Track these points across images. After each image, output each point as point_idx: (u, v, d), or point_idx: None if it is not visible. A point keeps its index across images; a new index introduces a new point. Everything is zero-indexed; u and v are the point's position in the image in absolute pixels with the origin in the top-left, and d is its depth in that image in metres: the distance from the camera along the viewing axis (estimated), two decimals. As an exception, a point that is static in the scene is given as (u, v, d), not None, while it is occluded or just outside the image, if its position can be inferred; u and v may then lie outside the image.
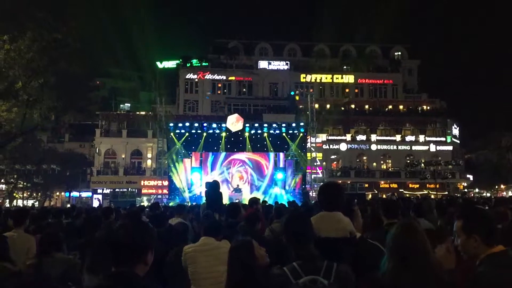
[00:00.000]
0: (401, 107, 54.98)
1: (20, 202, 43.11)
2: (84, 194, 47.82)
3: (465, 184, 53.55)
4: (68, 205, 40.09)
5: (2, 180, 42.04)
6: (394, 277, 2.65)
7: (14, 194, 43.06)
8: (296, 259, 2.83)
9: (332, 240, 3.12)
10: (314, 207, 11.02)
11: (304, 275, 2.67)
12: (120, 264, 2.20)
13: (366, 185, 47.75)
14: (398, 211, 5.02)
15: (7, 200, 41.95)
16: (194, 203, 18.64)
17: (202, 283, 4.47)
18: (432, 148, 51.55)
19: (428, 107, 55.23)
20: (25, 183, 42.75)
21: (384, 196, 41.53)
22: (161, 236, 5.70)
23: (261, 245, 3.45)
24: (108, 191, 43.75)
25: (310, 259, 2.80)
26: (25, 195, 44.18)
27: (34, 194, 45.10)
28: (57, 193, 50.12)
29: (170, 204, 20.11)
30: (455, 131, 55.09)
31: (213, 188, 10.42)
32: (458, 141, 55.44)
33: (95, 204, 34.90)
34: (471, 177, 53.72)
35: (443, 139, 52.49)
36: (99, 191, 44.28)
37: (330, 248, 2.98)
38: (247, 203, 18.21)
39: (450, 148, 52.41)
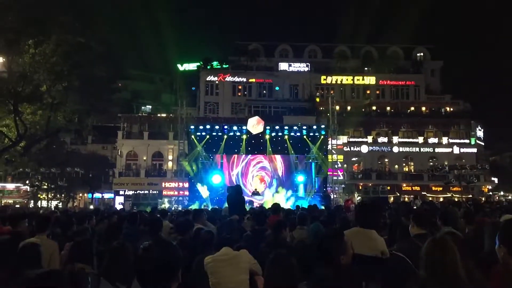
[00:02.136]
0: (423, 108, 54.23)
1: (44, 203, 43.86)
2: (107, 196, 48.43)
3: (490, 187, 52.45)
4: (91, 207, 40.73)
5: (27, 182, 42.83)
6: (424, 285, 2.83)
7: (39, 195, 43.83)
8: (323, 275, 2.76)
9: (364, 257, 3.06)
10: (335, 212, 10.90)
11: None
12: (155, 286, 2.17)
13: (388, 188, 47.23)
14: (427, 222, 4.99)
15: (32, 201, 42.75)
16: (215, 206, 18.64)
17: None
18: (456, 150, 50.69)
19: (452, 109, 54.37)
20: (49, 185, 43.50)
21: (406, 199, 40.99)
22: (185, 244, 5.68)
23: (288, 254, 3.39)
24: (130, 192, 44.18)
25: (338, 278, 2.73)
26: (49, 196, 44.94)
27: (58, 195, 45.82)
28: (80, 194, 50.86)
29: (191, 207, 20.15)
30: (479, 133, 54.04)
31: (235, 193, 10.36)
32: (483, 143, 54.36)
33: (118, 207, 35.23)
34: (496, 179, 52.61)
35: (467, 141, 51.58)
36: (121, 192, 44.75)
37: (361, 265, 2.92)
38: (267, 206, 18.17)
39: (474, 150, 51.45)
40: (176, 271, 2.24)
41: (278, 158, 29.57)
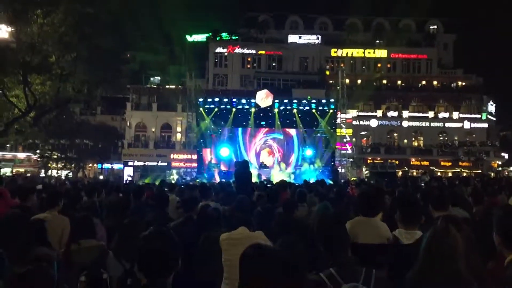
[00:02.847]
0: (435, 83, 53.45)
1: (54, 172, 44.44)
2: (116, 166, 48.92)
3: (500, 163, 52.08)
4: (101, 177, 41.20)
5: (38, 151, 43.30)
6: (420, 278, 2.73)
7: (49, 165, 44.36)
8: (332, 264, 2.73)
9: (370, 247, 3.04)
10: (343, 188, 10.91)
11: (343, 281, 2.58)
12: (155, 276, 2.18)
13: (397, 162, 46.93)
14: (447, 203, 4.92)
15: (43, 170, 43.34)
16: (223, 180, 18.74)
17: (233, 271, 4.50)
18: (466, 125, 50.16)
19: (464, 83, 53.50)
20: (59, 155, 43.94)
21: (415, 173, 40.93)
22: (192, 220, 5.72)
23: (303, 235, 3.38)
24: (139, 163, 44.52)
25: (347, 265, 2.70)
26: (59, 165, 45.48)
27: (68, 165, 46.36)
28: (90, 165, 51.39)
29: (197, 181, 20.25)
30: (491, 108, 53.31)
31: (242, 168, 10.34)
32: (494, 118, 53.68)
33: (128, 178, 35.61)
34: (506, 155, 52.16)
35: (478, 116, 50.94)
36: (130, 163, 45.10)
37: (368, 254, 2.89)
38: (275, 180, 18.22)
39: (485, 125, 50.86)
40: (176, 262, 2.25)
41: (286, 131, 29.52)
